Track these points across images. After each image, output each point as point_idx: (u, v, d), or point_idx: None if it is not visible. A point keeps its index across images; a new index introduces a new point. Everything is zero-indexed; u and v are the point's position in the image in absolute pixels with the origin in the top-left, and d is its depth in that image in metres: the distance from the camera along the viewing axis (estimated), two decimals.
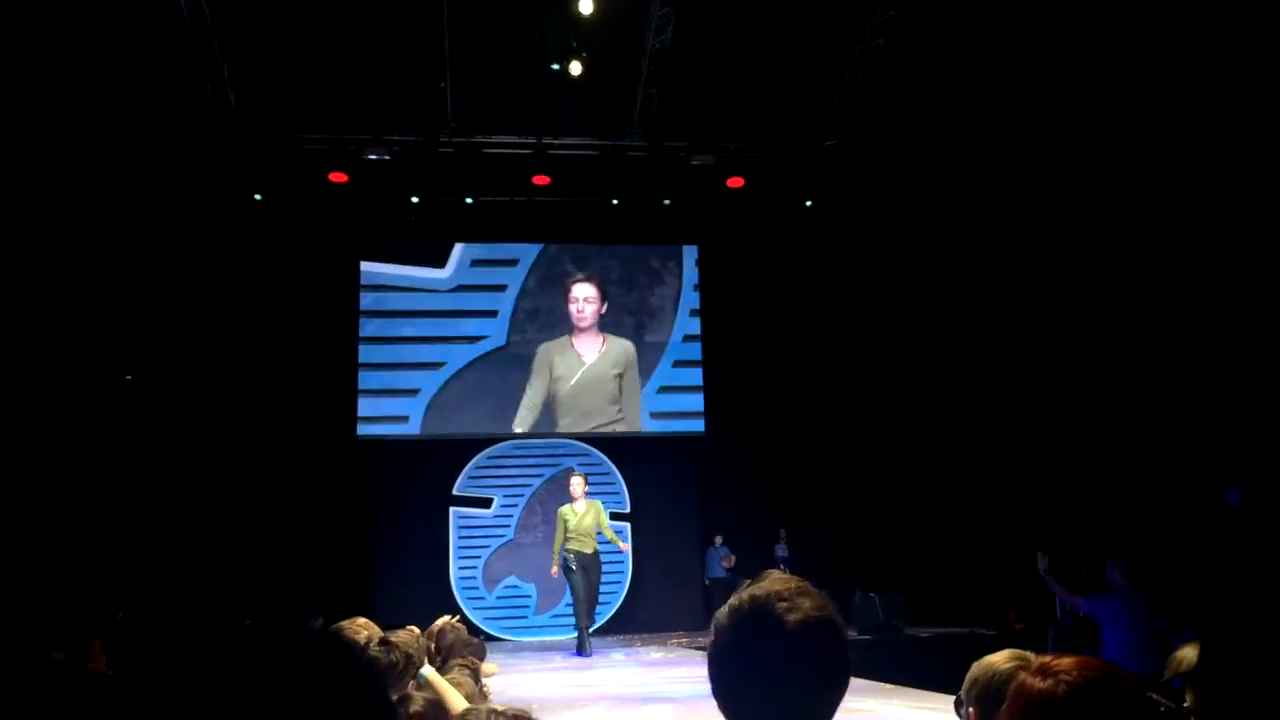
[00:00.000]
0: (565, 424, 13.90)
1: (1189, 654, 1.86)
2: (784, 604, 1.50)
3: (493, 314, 14.06)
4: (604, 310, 14.19)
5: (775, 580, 1.56)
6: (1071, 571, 8.16)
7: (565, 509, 10.85)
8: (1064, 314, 12.48)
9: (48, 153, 11.36)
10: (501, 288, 14.12)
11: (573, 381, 13.99)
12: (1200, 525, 8.72)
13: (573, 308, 14.10)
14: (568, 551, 10.54)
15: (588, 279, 14.18)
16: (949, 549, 12.77)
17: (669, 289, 14.40)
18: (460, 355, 13.87)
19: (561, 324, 14.17)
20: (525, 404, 13.90)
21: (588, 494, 11.12)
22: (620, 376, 14.09)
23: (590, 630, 10.77)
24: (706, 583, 13.93)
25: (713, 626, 1.57)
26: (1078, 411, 12.17)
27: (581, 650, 10.54)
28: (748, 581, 1.59)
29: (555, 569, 10.79)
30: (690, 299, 14.40)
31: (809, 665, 1.49)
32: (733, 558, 13.71)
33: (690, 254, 14.46)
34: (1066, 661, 1.58)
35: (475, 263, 14.12)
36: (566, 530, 10.62)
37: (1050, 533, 11.66)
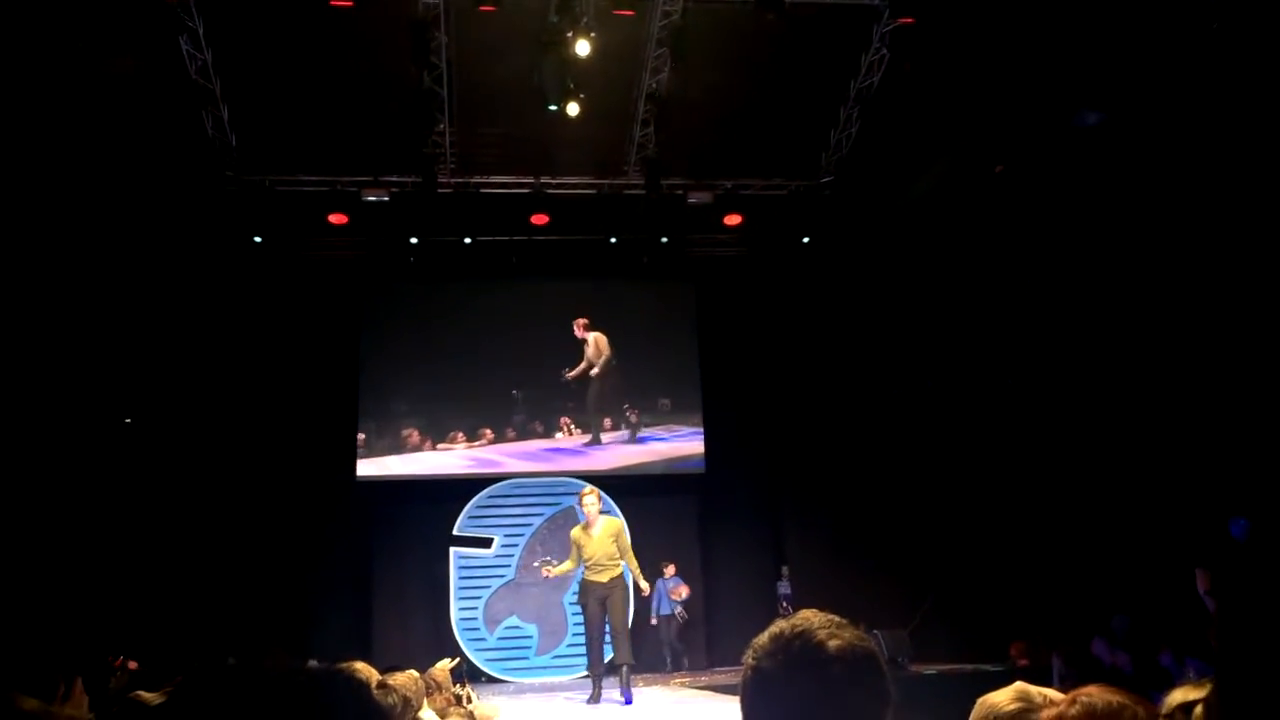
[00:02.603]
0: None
1: (1179, 696, 1.82)
2: (825, 631, 1.51)
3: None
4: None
5: (813, 614, 1.57)
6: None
7: (576, 533, 9.37)
8: (1066, 347, 12.47)
9: (48, 193, 11.39)
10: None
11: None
12: (1200, 556, 8.61)
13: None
14: (583, 582, 9.34)
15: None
16: (953, 584, 12.67)
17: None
18: None
19: None
20: None
21: (604, 510, 9.74)
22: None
23: (605, 669, 9.76)
24: (653, 621, 13.09)
25: (749, 654, 1.56)
26: (1077, 447, 12.12)
27: (593, 697, 9.51)
28: (780, 621, 1.58)
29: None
30: None
31: (851, 693, 1.48)
32: (683, 589, 13.22)
33: None
34: (1090, 688, 1.58)
35: None
36: (582, 559, 9.24)
37: (1050, 567, 11.65)
